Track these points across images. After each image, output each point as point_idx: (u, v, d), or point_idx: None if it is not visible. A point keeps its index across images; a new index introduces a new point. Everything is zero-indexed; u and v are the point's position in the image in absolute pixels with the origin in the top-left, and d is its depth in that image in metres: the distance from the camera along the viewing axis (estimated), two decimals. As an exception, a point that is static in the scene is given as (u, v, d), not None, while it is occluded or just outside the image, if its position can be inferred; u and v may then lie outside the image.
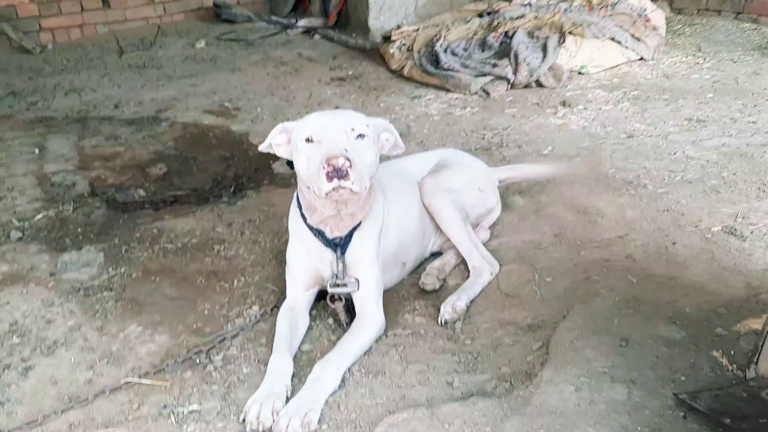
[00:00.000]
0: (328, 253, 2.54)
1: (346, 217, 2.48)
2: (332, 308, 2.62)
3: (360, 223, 2.54)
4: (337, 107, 5.50)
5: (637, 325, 2.29)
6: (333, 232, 2.52)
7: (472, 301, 2.72)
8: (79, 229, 3.63)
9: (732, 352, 2.14)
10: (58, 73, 6.95)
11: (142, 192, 4.34)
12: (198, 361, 2.47)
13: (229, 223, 3.60)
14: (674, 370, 2.07)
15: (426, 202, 2.94)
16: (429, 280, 2.88)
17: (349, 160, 2.21)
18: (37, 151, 4.82)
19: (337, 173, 2.20)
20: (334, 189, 2.23)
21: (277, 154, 2.50)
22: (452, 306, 2.63)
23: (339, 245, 2.52)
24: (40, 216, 3.77)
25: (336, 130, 2.31)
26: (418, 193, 2.99)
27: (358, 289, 2.55)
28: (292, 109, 5.55)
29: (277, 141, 2.49)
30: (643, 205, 3.33)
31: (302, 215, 2.55)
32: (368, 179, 2.37)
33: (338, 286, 2.55)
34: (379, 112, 5.30)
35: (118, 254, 3.32)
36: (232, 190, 4.23)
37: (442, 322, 2.61)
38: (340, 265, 2.53)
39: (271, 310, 2.74)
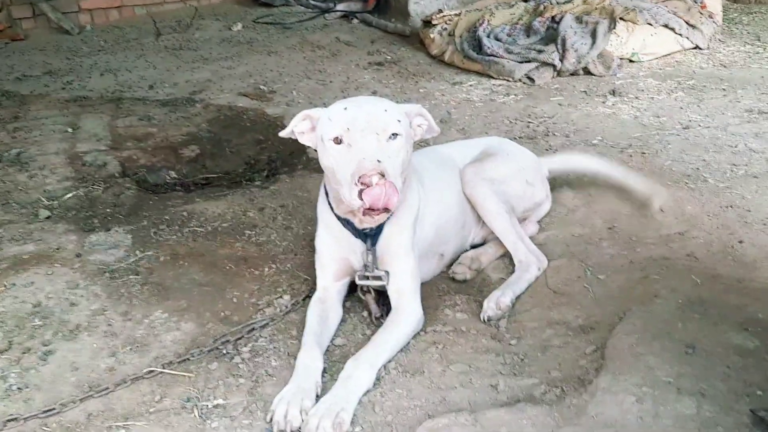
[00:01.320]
0: (358, 244, 2.38)
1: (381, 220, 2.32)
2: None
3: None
4: (374, 92, 5.32)
5: (705, 331, 2.07)
6: (363, 223, 2.35)
7: (517, 298, 2.53)
8: (108, 210, 3.52)
9: (814, 366, 1.92)
10: (94, 53, 6.90)
11: (173, 174, 4.24)
12: (225, 351, 2.33)
13: (261, 208, 3.46)
14: (749, 383, 1.86)
15: (467, 192, 2.75)
16: (459, 269, 2.72)
17: (382, 175, 2.03)
18: (70, 130, 4.74)
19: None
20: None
21: (301, 141, 2.34)
22: (496, 302, 2.45)
23: (369, 236, 2.35)
24: (69, 195, 3.67)
25: (367, 133, 2.13)
26: (459, 181, 2.80)
27: (388, 282, 2.38)
28: (329, 93, 5.39)
29: (300, 128, 2.33)
30: (704, 200, 3.09)
31: (330, 203, 2.39)
32: (400, 182, 2.19)
33: (368, 278, 2.38)
34: (419, 98, 5.11)
35: (146, 236, 3.20)
36: (265, 174, 4.09)
37: (485, 318, 2.43)
38: (370, 256, 2.36)
39: (303, 300, 2.59)
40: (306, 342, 2.20)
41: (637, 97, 4.70)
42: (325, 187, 2.44)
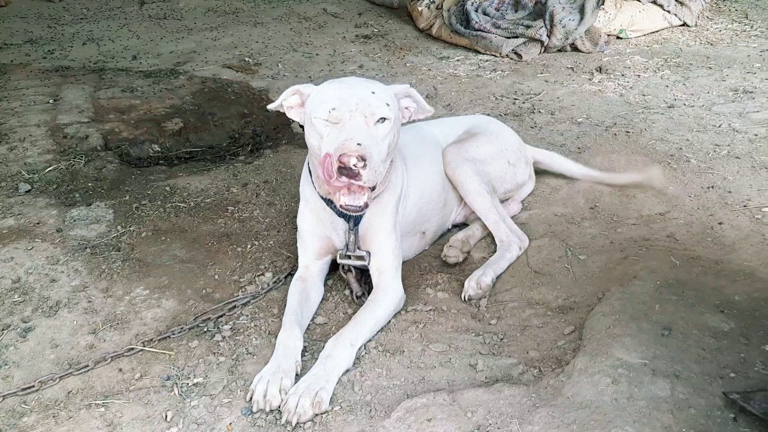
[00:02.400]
0: (340, 222, 2.38)
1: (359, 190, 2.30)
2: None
3: None
4: (361, 66, 5.28)
5: (681, 313, 2.10)
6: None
7: (498, 277, 2.54)
8: (90, 184, 3.49)
9: (786, 348, 1.95)
10: (77, 22, 6.78)
11: (156, 147, 4.20)
12: (206, 329, 2.33)
13: (245, 184, 3.44)
14: (722, 365, 1.89)
15: (449, 172, 2.74)
16: (452, 253, 2.70)
17: (363, 159, 2.02)
18: (51, 101, 4.67)
19: (349, 171, 2.02)
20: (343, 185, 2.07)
21: (288, 116, 2.32)
22: (477, 281, 2.46)
23: (352, 216, 2.35)
24: (50, 168, 3.63)
25: (356, 114, 2.12)
26: (440, 157, 2.79)
27: (370, 261, 2.38)
28: (315, 66, 5.34)
29: (289, 103, 2.31)
30: (686, 180, 3.11)
31: (313, 182, 2.38)
32: (385, 166, 2.19)
33: (349, 257, 2.39)
34: (405, 72, 5.07)
35: (128, 211, 3.18)
36: (249, 148, 4.06)
37: (466, 298, 2.44)
38: (352, 236, 2.36)
39: (285, 277, 2.59)
40: (286, 321, 2.20)
41: (623, 75, 4.68)
42: (308, 165, 2.42)
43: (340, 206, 2.11)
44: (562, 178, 3.22)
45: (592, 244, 2.66)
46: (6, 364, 2.17)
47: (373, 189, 2.14)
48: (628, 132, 3.70)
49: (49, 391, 2.06)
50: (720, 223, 2.72)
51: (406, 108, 2.35)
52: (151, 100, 4.75)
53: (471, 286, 2.46)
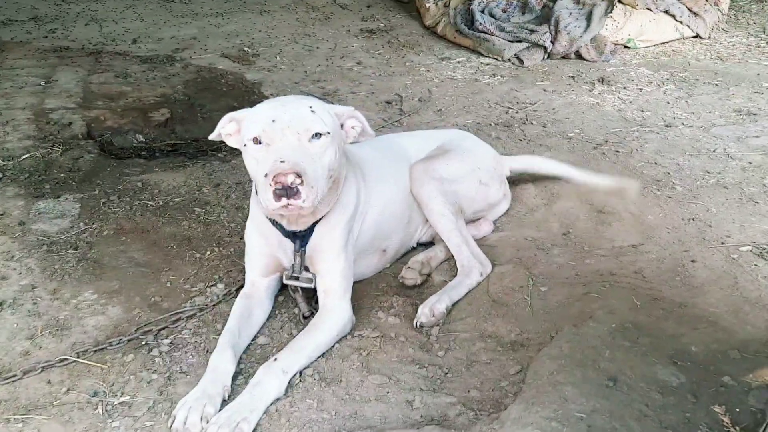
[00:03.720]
0: (287, 243, 2.29)
1: (300, 218, 2.24)
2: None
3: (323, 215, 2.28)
4: (359, 63, 5.17)
5: (631, 362, 1.99)
6: (291, 225, 2.26)
7: (454, 304, 2.44)
8: (63, 175, 3.44)
9: (737, 410, 1.82)
10: (83, 0, 6.74)
11: (140, 138, 4.14)
12: (145, 342, 2.27)
13: (217, 184, 3.37)
14: (664, 425, 1.78)
15: (414, 191, 2.65)
16: (410, 275, 2.61)
17: (299, 176, 1.94)
18: (43, 83, 4.64)
19: (286, 192, 1.94)
20: (282, 206, 1.99)
21: (228, 144, 2.24)
22: (431, 308, 2.36)
23: (299, 237, 2.27)
24: (26, 156, 3.59)
25: (287, 132, 2.03)
26: (407, 173, 2.69)
27: (316, 283, 2.30)
28: (312, 60, 5.24)
29: (226, 131, 2.23)
30: (668, 209, 2.97)
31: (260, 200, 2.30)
32: (326, 184, 2.11)
33: (296, 279, 2.30)
34: (402, 72, 4.96)
35: (95, 207, 3.12)
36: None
37: (418, 324, 2.35)
38: (298, 258, 2.28)
39: (237, 290, 2.50)
40: (221, 343, 2.12)
41: (625, 87, 4.53)
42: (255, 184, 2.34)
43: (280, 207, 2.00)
44: (540, 198, 3.10)
45: (556, 275, 2.55)
46: (-65, 368, 2.13)
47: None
48: (618, 152, 3.57)
49: (-28, 400, 2.01)
50: (693, 261, 2.59)
51: (352, 128, 2.26)
52: (142, 88, 4.70)
53: (424, 312, 2.36)
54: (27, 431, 1.90)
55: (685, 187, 3.18)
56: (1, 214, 3.01)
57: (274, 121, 2.04)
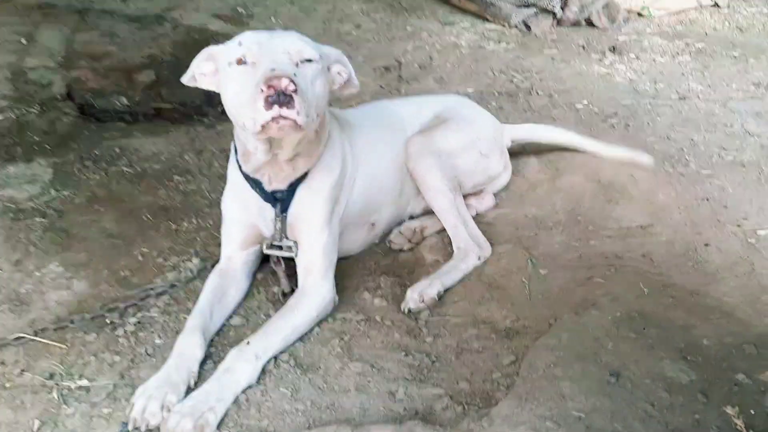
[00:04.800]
0: (268, 208, 2.11)
1: (285, 164, 2.04)
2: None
3: (306, 174, 2.08)
4: (358, 26, 4.93)
5: (636, 355, 1.81)
6: (272, 184, 2.08)
7: (447, 290, 2.26)
8: (37, 138, 3.25)
9: (752, 412, 1.65)
10: (73, -45, 6.45)
11: (124, 100, 3.93)
12: (109, 321, 2.10)
13: (200, 151, 3.18)
14: (671, 427, 1.60)
15: (410, 166, 2.46)
16: (398, 240, 2.49)
17: (294, 83, 1.74)
18: (24, 41, 4.41)
19: (279, 99, 1.73)
20: (273, 119, 1.76)
21: (201, 87, 2.04)
22: (420, 293, 2.18)
23: (280, 200, 2.08)
24: (0, 117, 3.39)
25: (278, 50, 1.84)
26: (401, 142, 2.50)
27: (297, 254, 2.12)
28: (310, 22, 5.00)
29: (201, 70, 2.02)
30: (680, 188, 2.77)
31: (238, 161, 2.10)
32: (316, 115, 1.90)
33: (278, 248, 2.12)
34: (403, 37, 4.73)
35: (68, 173, 2.95)
36: (220, 109, 3.77)
37: (405, 310, 2.17)
38: (278, 223, 2.09)
39: (212, 266, 2.32)
40: (188, 325, 1.94)
41: (637, 57, 4.29)
42: (234, 143, 2.15)
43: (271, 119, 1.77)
44: (543, 173, 2.90)
45: (558, 257, 2.36)
46: None
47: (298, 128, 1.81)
48: (628, 125, 3.35)
49: None
50: (706, 245, 2.39)
51: (339, 73, 2.07)
52: (128, 48, 4.47)
53: (413, 297, 2.18)
54: (-27, 417, 1.74)
55: (699, 164, 2.97)
56: (-32, 179, 2.83)
57: (261, 42, 1.85)
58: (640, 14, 4.98)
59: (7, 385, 1.85)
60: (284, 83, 1.73)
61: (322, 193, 2.12)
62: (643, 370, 1.76)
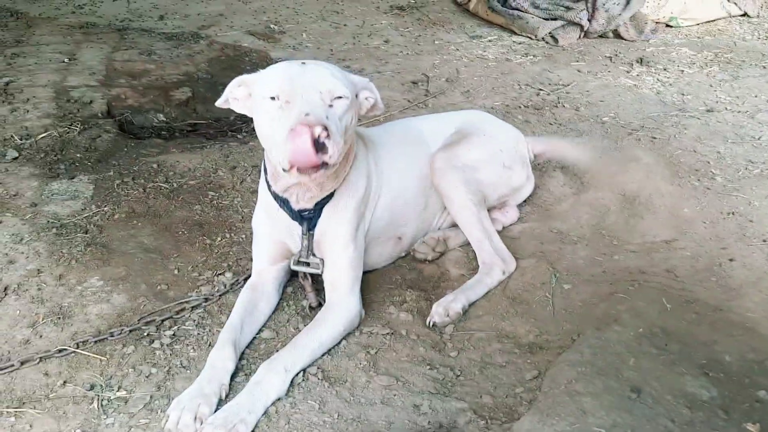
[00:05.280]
0: (295, 226, 2.19)
1: (314, 186, 2.11)
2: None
3: (332, 194, 2.16)
4: (387, 41, 5.01)
5: (658, 371, 1.83)
6: (299, 203, 2.15)
7: (472, 305, 2.31)
8: (79, 155, 3.38)
9: (773, 429, 1.67)
10: (112, -25, 6.67)
11: (161, 117, 4.07)
12: (147, 333, 2.19)
13: (233, 167, 3.27)
14: (690, 444, 1.63)
15: (435, 181, 2.51)
16: (422, 249, 2.55)
17: (326, 129, 1.80)
18: (66, 60, 4.58)
19: (314, 145, 1.79)
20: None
21: (235, 110, 2.12)
22: (445, 308, 2.23)
23: (306, 219, 2.15)
24: (44, 135, 3.53)
25: (310, 90, 1.90)
26: (424, 157, 2.56)
27: (323, 271, 2.19)
28: (339, 38, 5.10)
29: (234, 95, 2.10)
30: (705, 202, 2.78)
31: (268, 181, 2.18)
32: (344, 149, 1.97)
33: (305, 264, 2.20)
34: (432, 51, 4.79)
35: (108, 189, 3.05)
36: (252, 126, 3.88)
37: (430, 324, 2.22)
38: (305, 241, 2.17)
39: (245, 279, 2.40)
40: (221, 338, 2.03)
41: (665, 69, 4.29)
42: (264, 163, 2.23)
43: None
44: (568, 187, 2.94)
45: (582, 272, 2.40)
46: (-66, 355, 2.08)
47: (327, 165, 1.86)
48: (654, 138, 3.36)
49: (-33, 391, 1.95)
50: (731, 260, 2.40)
51: (366, 98, 2.13)
52: (165, 66, 4.61)
53: (438, 312, 2.24)
54: (19, 426, 1.84)
55: (726, 177, 2.97)
56: (15, 195, 2.96)
57: (294, 78, 1.91)
58: (668, 25, 4.97)
59: (51, 395, 1.95)
60: (317, 132, 1.78)
61: (348, 212, 2.19)
62: (664, 387, 1.79)
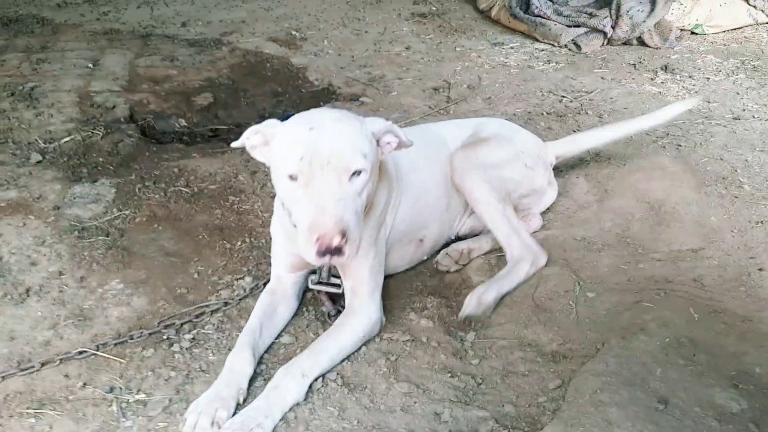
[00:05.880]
0: None
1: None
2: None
3: None
4: (408, 48, 5.00)
5: (685, 382, 1.79)
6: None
7: (505, 296, 2.31)
8: (101, 159, 3.40)
9: (805, 443, 1.62)
10: (138, -18, 6.75)
11: (183, 122, 4.09)
12: (166, 336, 2.19)
13: (254, 172, 3.27)
14: (720, 457, 1.59)
15: (456, 181, 2.49)
16: (445, 261, 2.53)
17: (344, 234, 1.81)
18: (90, 65, 4.63)
19: (330, 250, 1.81)
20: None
21: (253, 156, 2.10)
22: (479, 298, 2.24)
23: None
24: (67, 139, 3.56)
25: (327, 170, 1.87)
26: (444, 159, 2.55)
27: (341, 290, 2.18)
28: (361, 44, 5.10)
29: (252, 143, 2.08)
30: (733, 210, 2.72)
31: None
32: (362, 220, 1.97)
33: (322, 284, 2.19)
34: (452, 57, 4.77)
35: (130, 192, 3.07)
36: (273, 131, 3.89)
37: (463, 317, 2.23)
38: (325, 266, 2.16)
39: (265, 284, 2.39)
40: (239, 342, 2.02)
41: (690, 76, 4.23)
42: None
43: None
44: (592, 194, 2.89)
45: (606, 280, 2.35)
46: (-45, 355, 2.09)
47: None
48: (680, 146, 3.31)
49: (-12, 390, 1.96)
50: (760, 269, 2.35)
51: (388, 143, 2.09)
52: (187, 72, 4.65)
53: (471, 303, 2.24)
54: (39, 427, 1.84)
55: (754, 186, 2.91)
56: (38, 198, 2.98)
57: (311, 153, 1.87)
58: (693, 32, 4.90)
59: (71, 397, 1.95)
60: (335, 242, 1.79)
61: (369, 222, 2.16)
62: (692, 398, 1.74)
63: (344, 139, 1.91)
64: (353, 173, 1.90)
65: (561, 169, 2.90)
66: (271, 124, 2.05)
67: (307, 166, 1.86)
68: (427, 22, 5.59)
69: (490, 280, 2.35)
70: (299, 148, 1.89)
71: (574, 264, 2.46)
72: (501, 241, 2.47)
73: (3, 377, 1.99)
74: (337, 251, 1.81)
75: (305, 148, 1.88)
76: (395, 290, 2.41)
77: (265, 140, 2.04)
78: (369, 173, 1.95)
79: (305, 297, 2.37)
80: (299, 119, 2.02)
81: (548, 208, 2.83)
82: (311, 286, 2.23)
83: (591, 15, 4.77)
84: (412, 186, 2.38)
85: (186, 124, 4.07)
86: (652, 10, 4.66)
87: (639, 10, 4.66)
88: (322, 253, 1.81)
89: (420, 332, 2.21)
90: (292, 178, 1.90)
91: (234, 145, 2.14)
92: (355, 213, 1.88)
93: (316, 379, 1.96)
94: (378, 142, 2.05)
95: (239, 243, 2.72)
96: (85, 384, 1.99)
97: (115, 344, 2.14)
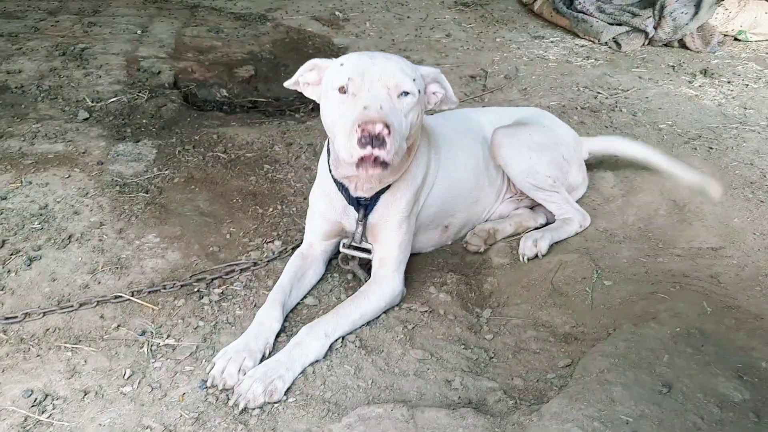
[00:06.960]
0: (352, 210, 2.26)
1: (373, 179, 2.16)
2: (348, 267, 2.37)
3: (390, 184, 2.22)
4: (448, 35, 5.05)
5: (691, 370, 1.84)
6: (357, 191, 2.22)
7: (555, 244, 2.55)
8: (145, 121, 3.54)
9: (803, 436, 1.67)
10: (188, -47, 6.87)
11: (224, 92, 4.21)
12: (197, 289, 2.30)
13: (290, 143, 3.37)
14: (717, 442, 1.64)
15: (495, 153, 2.61)
16: (474, 241, 2.61)
17: (388, 126, 1.85)
18: (139, 32, 4.78)
19: (372, 141, 1.85)
20: (365, 157, 1.88)
21: (305, 94, 2.18)
22: (534, 241, 2.45)
23: (363, 205, 2.22)
24: (113, 99, 3.70)
25: (377, 84, 1.94)
26: (481, 151, 2.59)
27: (372, 257, 2.26)
28: (402, 29, 5.17)
29: (306, 79, 2.15)
30: (757, 214, 2.75)
31: (329, 164, 2.25)
32: (405, 145, 2.02)
33: (354, 248, 2.27)
34: (492, 47, 4.81)
35: (170, 154, 3.19)
36: (310, 107, 3.99)
37: (522, 256, 2.47)
38: (360, 227, 2.23)
39: (293, 249, 2.49)
40: (271, 298, 2.12)
41: (729, 82, 4.22)
42: (328, 146, 2.30)
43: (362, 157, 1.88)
44: (618, 188, 2.94)
45: (624, 270, 2.40)
46: (2, 290, 2.23)
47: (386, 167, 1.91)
48: (711, 148, 3.33)
49: (30, 324, 2.09)
50: (778, 272, 2.38)
51: (434, 93, 2.16)
52: (231, 44, 4.76)
53: (527, 245, 2.48)
54: (75, 360, 1.96)
55: (782, 192, 2.93)
56: (83, 153, 3.12)
57: (363, 71, 1.95)
58: (736, 38, 4.87)
59: (105, 336, 2.07)
60: (378, 128, 1.83)
61: (404, 199, 2.24)
62: (696, 385, 1.80)
63: (395, 64, 2.00)
64: (401, 93, 1.96)
65: (590, 162, 2.94)
66: (325, 59, 2.12)
67: (359, 77, 1.93)
68: (469, 12, 5.63)
69: (544, 228, 2.58)
70: (352, 67, 1.97)
71: (595, 253, 2.52)
72: (547, 204, 2.65)
73: (44, 313, 2.12)
74: (380, 143, 1.83)
75: (358, 66, 1.96)
76: (418, 265, 2.49)
77: (318, 76, 2.11)
78: (416, 100, 2.00)
79: (330, 264, 2.46)
80: (354, 53, 2.11)
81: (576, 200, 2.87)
82: (343, 250, 2.30)
83: (634, 14, 4.77)
84: (448, 173, 2.44)
85: (227, 94, 4.19)
86: (696, 13, 4.64)
87: (683, 12, 4.65)
88: (365, 141, 1.83)
89: (438, 305, 2.29)
90: (342, 90, 1.96)
91: (288, 83, 2.20)
92: (399, 124, 1.92)
93: (336, 340, 2.05)
94: (425, 89, 2.11)
95: (271, 209, 2.82)
96: (119, 326, 2.11)
97: (149, 292, 2.26)
